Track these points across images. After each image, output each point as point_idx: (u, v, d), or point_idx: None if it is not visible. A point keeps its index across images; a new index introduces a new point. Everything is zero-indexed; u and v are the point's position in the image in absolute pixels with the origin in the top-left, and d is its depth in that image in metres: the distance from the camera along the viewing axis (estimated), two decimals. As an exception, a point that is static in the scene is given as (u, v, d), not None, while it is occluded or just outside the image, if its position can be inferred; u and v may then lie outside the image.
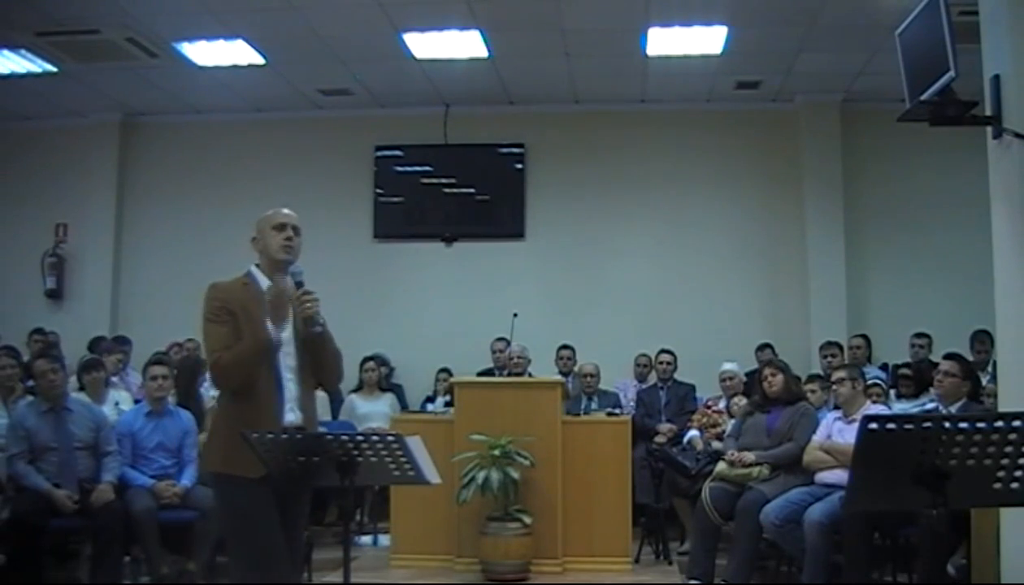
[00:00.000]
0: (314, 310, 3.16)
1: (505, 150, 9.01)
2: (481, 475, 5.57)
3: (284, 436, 2.97)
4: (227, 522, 3.19)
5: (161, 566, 5.13)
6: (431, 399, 8.13)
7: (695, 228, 8.85)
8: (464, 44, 7.51)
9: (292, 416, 3.17)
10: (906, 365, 7.28)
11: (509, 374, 7.11)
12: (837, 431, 5.22)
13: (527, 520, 5.64)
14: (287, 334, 3.21)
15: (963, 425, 2.27)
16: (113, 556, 4.99)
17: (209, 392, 6.96)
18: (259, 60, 7.80)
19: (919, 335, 7.60)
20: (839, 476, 4.83)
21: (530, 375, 7.26)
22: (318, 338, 3.20)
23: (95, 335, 8.25)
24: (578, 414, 6.85)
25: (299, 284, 3.19)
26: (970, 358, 6.08)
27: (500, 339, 7.68)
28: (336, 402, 7.65)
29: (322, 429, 6.24)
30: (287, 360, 3.19)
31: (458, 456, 5.68)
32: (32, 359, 6.00)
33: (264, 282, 3.25)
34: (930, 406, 5.56)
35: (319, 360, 3.26)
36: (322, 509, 6.59)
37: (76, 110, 9.02)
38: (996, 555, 4.30)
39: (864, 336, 7.92)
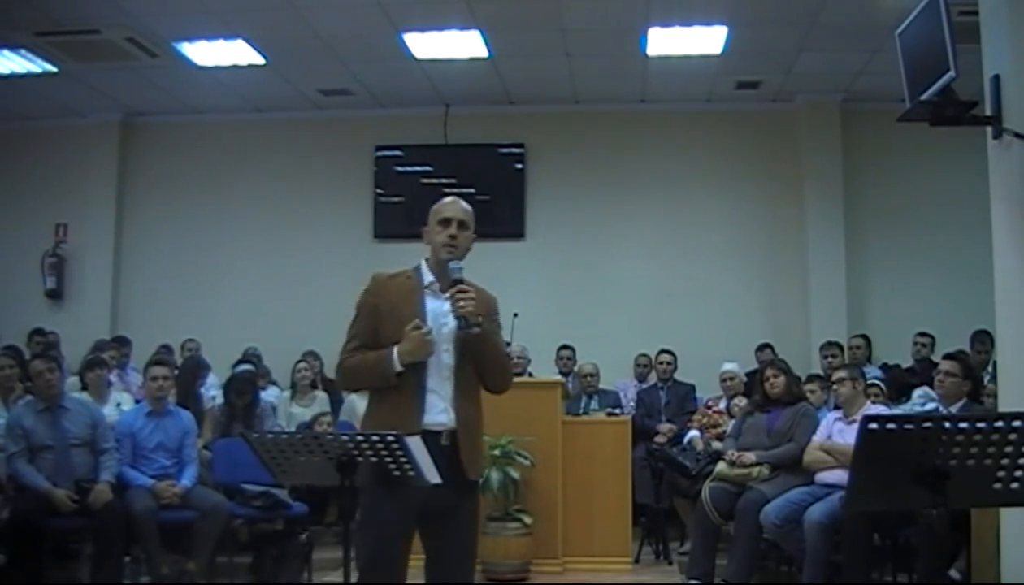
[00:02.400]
0: (467, 310, 2.94)
1: (505, 150, 9.01)
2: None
3: (285, 436, 2.95)
4: (357, 530, 3.04)
5: (161, 566, 5.14)
6: (431, 399, 8.10)
7: (695, 228, 8.85)
8: (464, 44, 7.51)
9: (444, 417, 3.00)
10: (883, 366, 7.33)
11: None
12: (837, 431, 5.22)
13: (527, 520, 5.64)
14: (448, 330, 3.03)
15: (963, 425, 2.27)
16: (113, 556, 4.99)
17: (209, 393, 6.98)
18: (259, 60, 7.80)
19: (922, 334, 7.58)
20: (839, 476, 4.83)
21: (530, 375, 7.25)
22: (474, 339, 3.01)
23: (95, 335, 8.23)
24: (578, 414, 6.85)
25: (456, 282, 2.99)
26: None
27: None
28: (336, 402, 7.64)
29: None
30: (444, 357, 3.02)
31: (458, 456, 5.67)
32: (31, 359, 6.00)
33: (427, 277, 3.10)
34: (930, 406, 5.56)
35: (478, 361, 3.07)
36: (322, 509, 6.59)
37: (76, 110, 9.02)
38: (996, 555, 4.30)
39: (864, 336, 7.92)
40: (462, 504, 3.05)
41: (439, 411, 3.02)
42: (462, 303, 2.95)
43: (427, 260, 3.16)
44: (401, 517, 2.94)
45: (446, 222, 3.10)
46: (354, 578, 2.93)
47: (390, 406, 3.01)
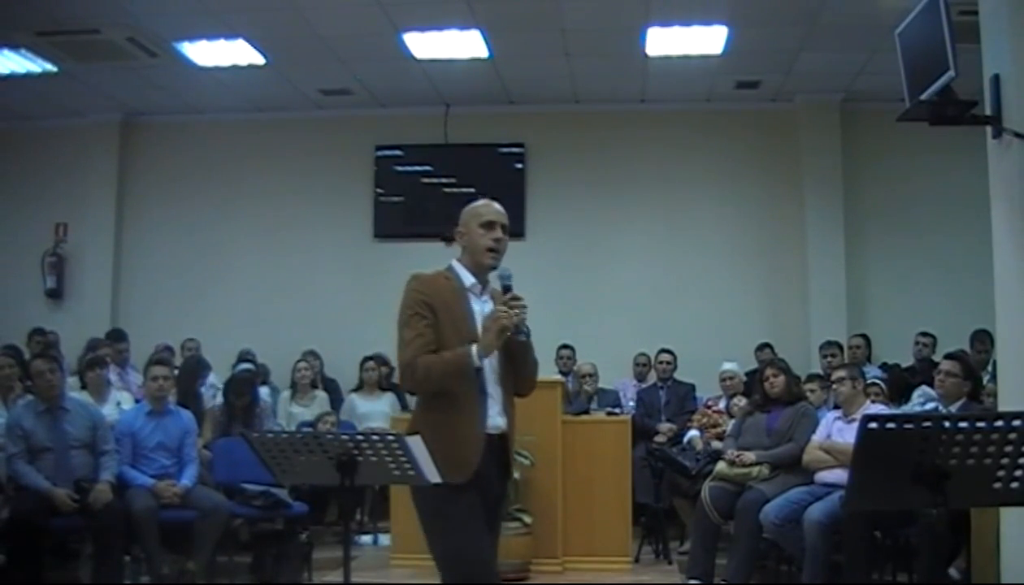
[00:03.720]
0: (521, 317, 3.00)
1: (505, 150, 9.01)
2: (481, 475, 5.57)
3: (285, 435, 2.96)
4: (434, 533, 2.97)
5: (161, 566, 5.14)
6: (431, 399, 8.09)
7: (695, 228, 8.85)
8: (464, 44, 7.52)
9: (500, 420, 3.04)
10: (883, 366, 7.31)
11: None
12: (837, 431, 5.22)
13: (527, 520, 5.64)
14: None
15: (963, 425, 2.28)
16: (113, 556, 4.99)
17: (209, 392, 6.97)
18: (259, 60, 7.80)
19: (924, 334, 7.58)
20: (839, 476, 4.83)
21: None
22: (520, 346, 3.07)
23: (95, 335, 8.22)
24: (577, 414, 6.84)
25: (507, 288, 3.03)
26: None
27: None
28: (336, 402, 7.65)
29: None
30: (493, 361, 3.05)
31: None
32: (31, 359, 6.00)
33: (468, 279, 3.10)
34: (930, 406, 5.56)
35: (518, 367, 3.13)
36: (322, 509, 6.59)
37: (76, 110, 9.02)
38: (996, 555, 4.30)
39: (864, 336, 7.91)
40: (503, 503, 3.16)
41: (496, 414, 3.04)
42: (516, 311, 2.99)
43: (459, 261, 3.15)
44: (477, 514, 2.93)
45: (490, 226, 3.08)
46: (358, 578, 2.93)
47: (448, 411, 2.97)
